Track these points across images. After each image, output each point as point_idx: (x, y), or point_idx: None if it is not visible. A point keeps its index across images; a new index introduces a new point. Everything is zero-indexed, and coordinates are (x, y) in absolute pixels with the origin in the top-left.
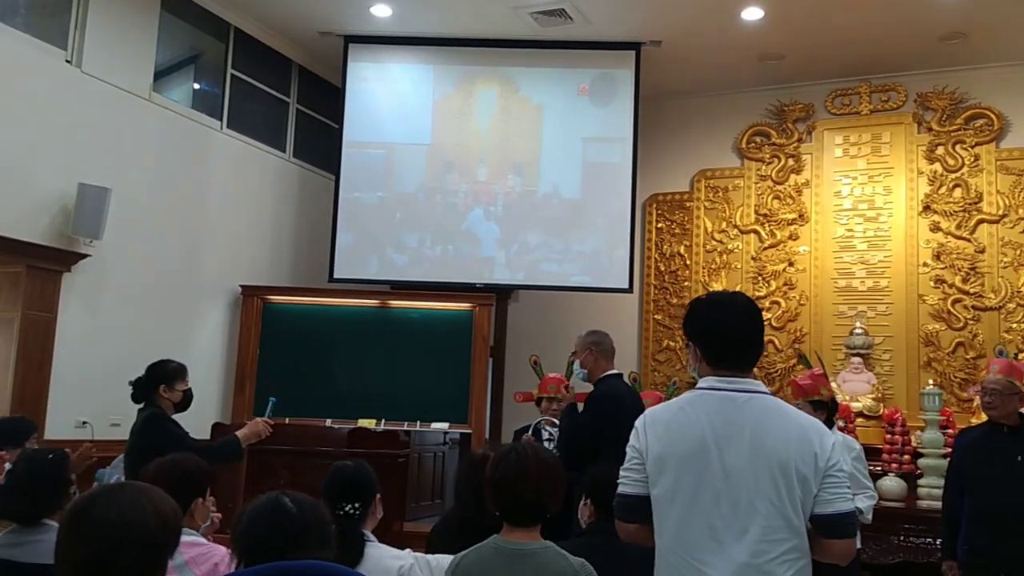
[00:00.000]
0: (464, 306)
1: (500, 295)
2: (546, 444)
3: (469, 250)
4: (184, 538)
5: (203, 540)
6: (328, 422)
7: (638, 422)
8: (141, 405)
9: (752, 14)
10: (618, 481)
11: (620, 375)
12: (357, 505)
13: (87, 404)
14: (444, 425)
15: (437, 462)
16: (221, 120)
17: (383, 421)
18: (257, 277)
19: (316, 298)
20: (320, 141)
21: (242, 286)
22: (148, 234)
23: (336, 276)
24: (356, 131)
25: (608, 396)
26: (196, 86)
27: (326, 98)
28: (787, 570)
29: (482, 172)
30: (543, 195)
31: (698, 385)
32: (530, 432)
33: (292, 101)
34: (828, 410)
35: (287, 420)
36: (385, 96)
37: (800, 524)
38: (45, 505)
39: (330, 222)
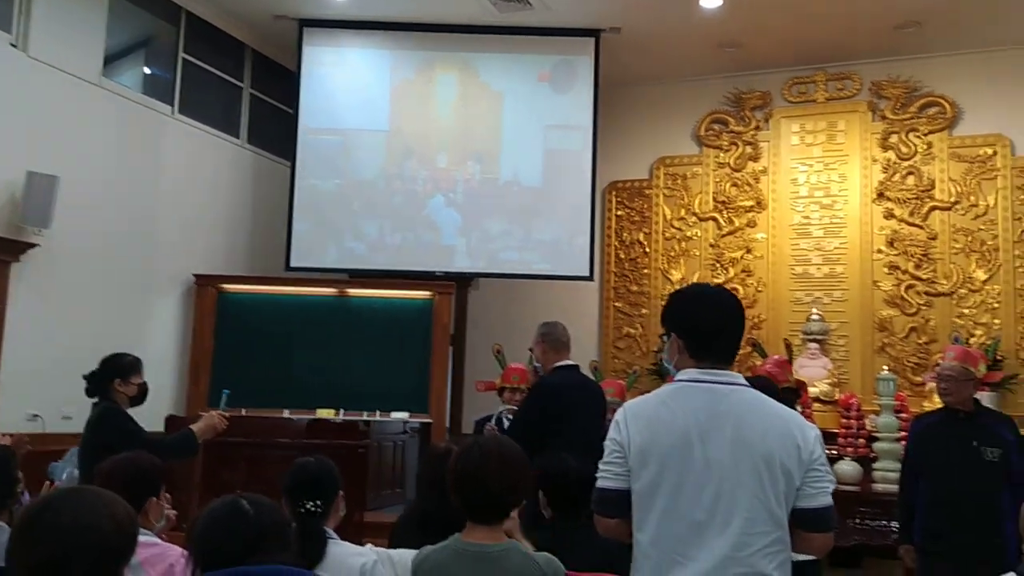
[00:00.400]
0: (424, 294)
1: (460, 283)
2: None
3: (429, 238)
4: (139, 538)
5: (158, 540)
6: (286, 413)
7: (618, 415)
8: (95, 399)
9: (711, 2)
10: (597, 476)
11: (572, 366)
12: (319, 503)
13: (38, 397)
14: (404, 414)
15: (397, 452)
16: (173, 105)
17: (342, 411)
18: (212, 266)
19: (273, 287)
20: (276, 127)
21: (196, 275)
22: (99, 223)
23: (293, 264)
24: (312, 117)
25: (542, 388)
26: (147, 71)
27: (281, 83)
28: (769, 563)
29: (442, 159)
30: (504, 182)
31: (679, 377)
32: (493, 422)
33: (246, 86)
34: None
35: (244, 412)
36: (342, 81)
37: (783, 517)
38: None
39: (286, 209)
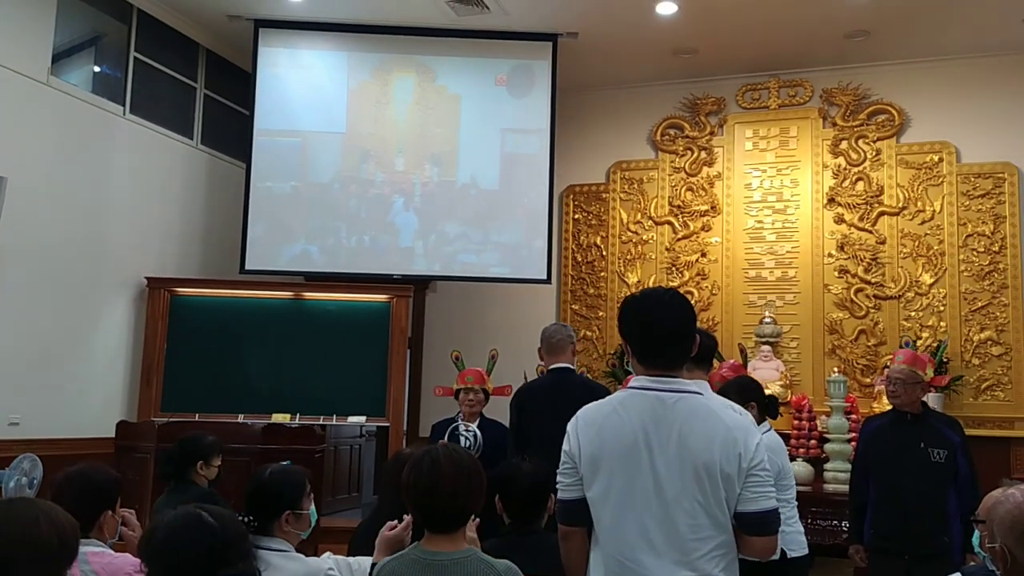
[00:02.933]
0: (381, 298)
1: (418, 286)
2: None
3: (386, 241)
4: (91, 549)
5: (110, 551)
6: (241, 418)
7: (570, 425)
8: (170, 483)
9: (666, 8)
10: (556, 486)
11: (562, 369)
12: (252, 518)
13: None
14: (361, 419)
15: (354, 455)
16: (124, 105)
17: (298, 416)
18: (164, 268)
19: (227, 290)
20: (230, 128)
21: (148, 278)
22: (47, 224)
23: (248, 267)
24: (268, 118)
25: (516, 393)
26: (97, 69)
27: (236, 84)
28: (716, 566)
29: (399, 162)
30: (461, 185)
31: (630, 385)
32: (446, 437)
33: (200, 86)
34: (763, 405)
35: (196, 417)
36: (298, 83)
37: (726, 521)
38: None
39: (241, 212)
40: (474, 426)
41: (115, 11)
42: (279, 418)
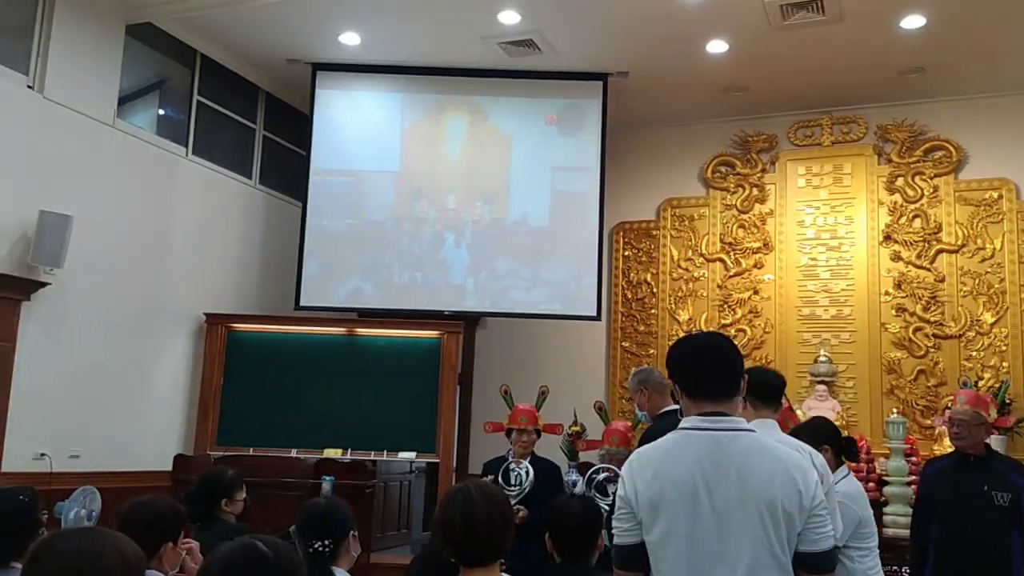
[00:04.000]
0: (432, 334)
1: (468, 323)
2: (513, 486)
3: (437, 277)
4: None
5: None
6: (294, 452)
7: (624, 469)
8: (197, 524)
9: (716, 47)
10: (611, 532)
11: (676, 410)
12: (328, 543)
13: (46, 436)
14: (411, 454)
15: (403, 491)
16: (187, 146)
17: (349, 451)
18: (222, 305)
19: (282, 326)
20: (287, 168)
21: (206, 314)
22: (110, 262)
23: (302, 304)
24: (324, 158)
25: (645, 441)
26: (161, 112)
27: (293, 125)
28: None
29: (451, 200)
30: (512, 223)
31: (682, 425)
32: (499, 476)
33: (259, 128)
34: (839, 448)
35: (251, 451)
36: (353, 123)
37: (787, 560)
38: (13, 547)
39: (296, 249)
40: (526, 463)
41: (179, 56)
42: (331, 453)
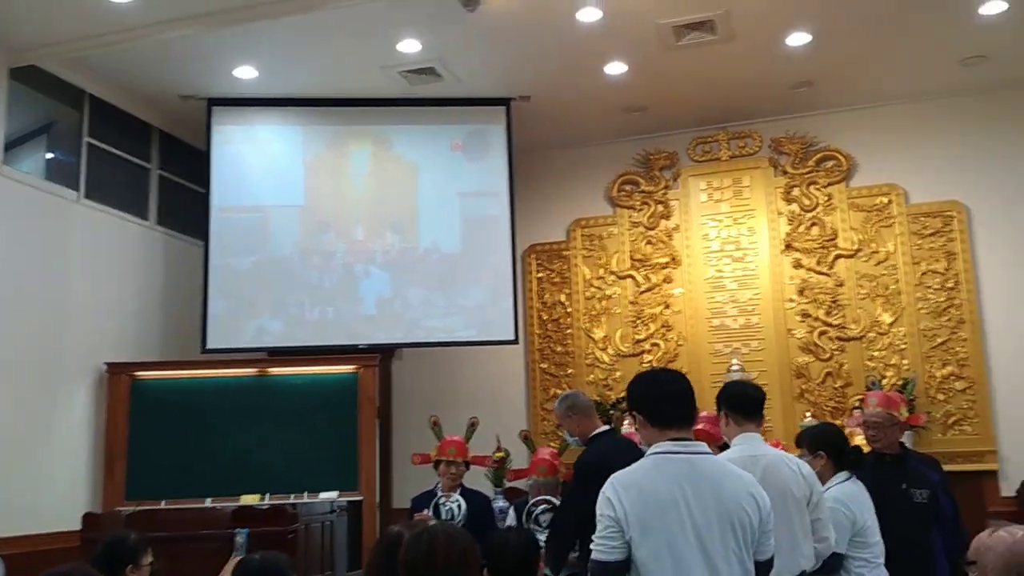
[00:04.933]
0: (347, 369)
1: (384, 355)
2: (446, 519)
3: (350, 311)
4: None
5: None
6: (208, 502)
7: (609, 491)
8: None
9: (615, 68)
10: (592, 548)
11: (608, 431)
12: None
13: None
14: (333, 494)
15: (326, 532)
16: (78, 190)
17: (268, 496)
18: (124, 353)
19: (189, 371)
20: (187, 207)
21: (108, 363)
22: (3, 313)
23: (210, 346)
24: (225, 195)
25: (586, 466)
26: (50, 156)
27: (191, 162)
28: None
29: (359, 231)
30: (423, 251)
31: (655, 450)
32: (429, 510)
33: (154, 167)
34: (837, 454)
35: (163, 503)
36: (254, 158)
37: (751, 568)
38: None
39: (201, 290)
40: (457, 496)
41: (67, 98)
42: (248, 499)
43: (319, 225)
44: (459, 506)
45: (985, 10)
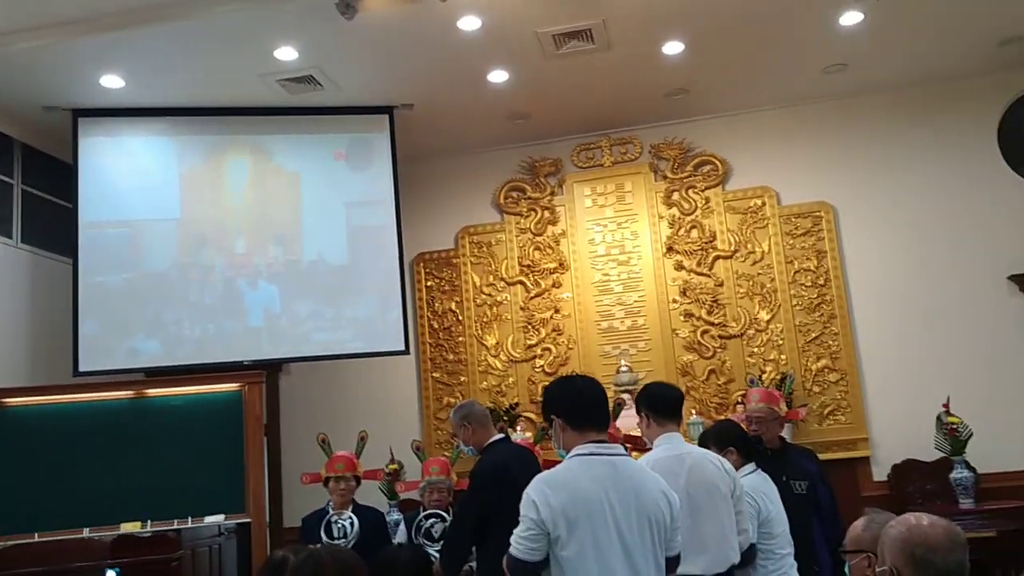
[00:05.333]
0: (231, 387)
1: (270, 371)
2: (338, 539)
3: (233, 327)
4: None
5: None
6: (86, 532)
7: (535, 493)
8: None
9: (497, 76)
10: (513, 545)
11: (504, 439)
12: None
13: None
14: (219, 517)
15: (214, 557)
16: None
17: (150, 522)
18: None
19: (60, 395)
20: (53, 223)
21: None
22: None
23: (82, 369)
24: (94, 210)
25: (499, 470)
26: None
27: (57, 176)
28: None
29: (240, 244)
30: (308, 263)
31: (577, 451)
32: (321, 530)
33: (16, 182)
34: (744, 448)
35: (36, 536)
36: (124, 171)
37: (663, 564)
38: None
39: (70, 310)
40: (349, 513)
41: None
42: (129, 527)
43: (197, 239)
44: (351, 523)
45: (845, 20)
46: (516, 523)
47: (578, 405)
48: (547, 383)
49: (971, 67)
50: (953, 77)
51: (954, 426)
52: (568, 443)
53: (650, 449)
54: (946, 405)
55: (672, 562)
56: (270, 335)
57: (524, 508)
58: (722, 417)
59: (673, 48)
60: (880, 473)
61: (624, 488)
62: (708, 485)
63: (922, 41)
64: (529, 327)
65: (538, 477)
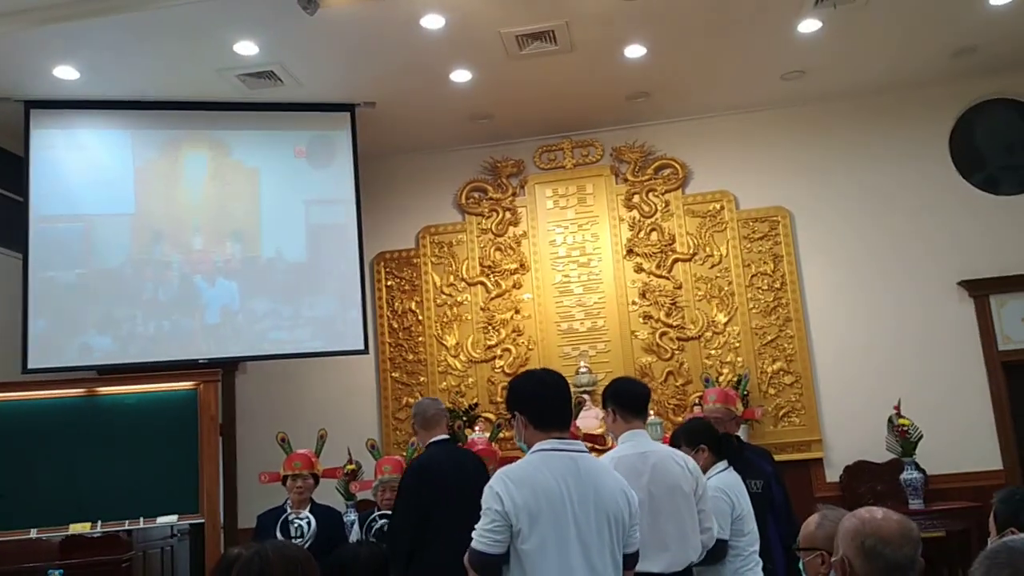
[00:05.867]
0: (186, 385)
1: (227, 369)
2: (295, 538)
3: (188, 324)
4: None
5: None
6: (34, 533)
7: (498, 486)
8: None
9: (460, 76)
10: (475, 539)
11: (445, 440)
12: None
13: None
14: (172, 518)
15: (166, 558)
16: None
17: (100, 523)
18: None
19: (8, 393)
20: (3, 217)
21: None
22: None
23: (31, 367)
24: (45, 204)
25: (422, 469)
26: None
27: (7, 169)
28: None
29: (197, 240)
30: (267, 260)
31: (540, 447)
32: (277, 529)
33: None
34: (715, 446)
35: None
36: (78, 165)
37: (620, 560)
38: None
39: (20, 306)
40: (306, 512)
41: None
42: (78, 528)
43: (152, 234)
44: (308, 523)
45: (803, 28)
46: (438, 521)
47: (543, 407)
48: (507, 383)
49: (925, 76)
50: (908, 86)
51: (904, 428)
52: (530, 439)
53: (610, 448)
54: (897, 407)
55: (630, 559)
56: (227, 333)
57: (487, 501)
58: (679, 419)
59: (635, 51)
60: (833, 474)
61: (584, 484)
62: (671, 484)
63: (878, 50)
64: (489, 328)
65: (500, 471)
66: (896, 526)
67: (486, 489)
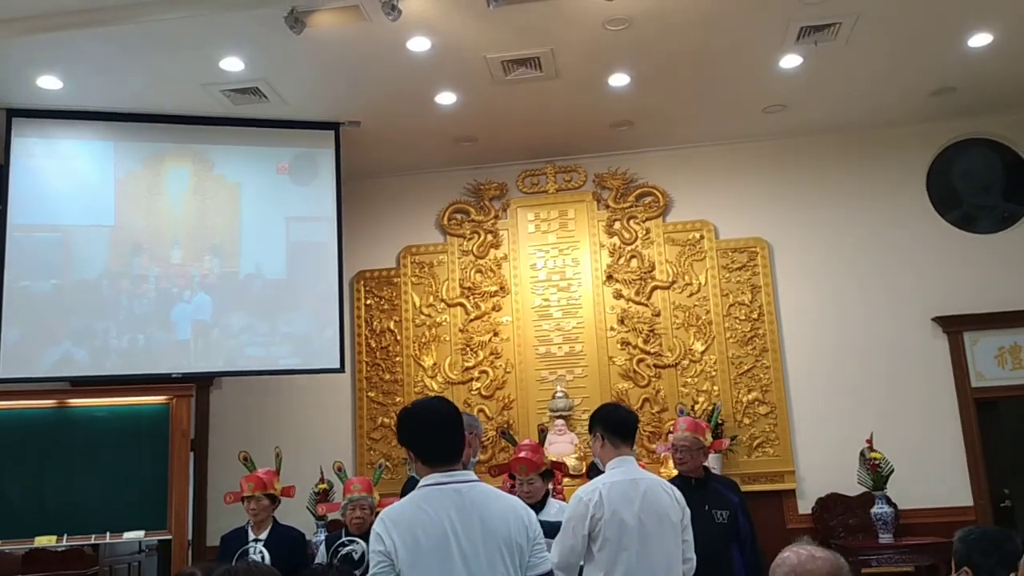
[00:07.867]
0: (159, 399)
1: (201, 384)
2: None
3: (163, 338)
4: None
5: None
6: None
7: (379, 527)
8: None
9: (445, 99)
10: None
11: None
12: None
13: None
14: (139, 534)
15: (132, 573)
16: None
17: (66, 537)
18: None
19: None
20: None
21: None
22: None
23: (2, 376)
24: (23, 212)
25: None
26: None
27: None
28: None
29: (176, 254)
30: (245, 276)
31: (425, 482)
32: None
33: None
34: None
35: None
36: (57, 174)
37: None
38: None
39: None
40: (260, 547)
41: None
42: (43, 541)
43: (131, 247)
44: (262, 557)
45: (785, 63)
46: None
47: (427, 441)
48: (481, 406)
49: (904, 114)
50: (887, 123)
51: (876, 462)
52: (420, 472)
53: (576, 475)
54: (869, 441)
55: None
56: (202, 348)
57: (372, 544)
58: (653, 446)
59: (619, 80)
60: (805, 506)
61: (469, 516)
62: (660, 513)
63: (858, 87)
64: (467, 349)
65: (382, 512)
66: (826, 566)
67: (371, 531)
